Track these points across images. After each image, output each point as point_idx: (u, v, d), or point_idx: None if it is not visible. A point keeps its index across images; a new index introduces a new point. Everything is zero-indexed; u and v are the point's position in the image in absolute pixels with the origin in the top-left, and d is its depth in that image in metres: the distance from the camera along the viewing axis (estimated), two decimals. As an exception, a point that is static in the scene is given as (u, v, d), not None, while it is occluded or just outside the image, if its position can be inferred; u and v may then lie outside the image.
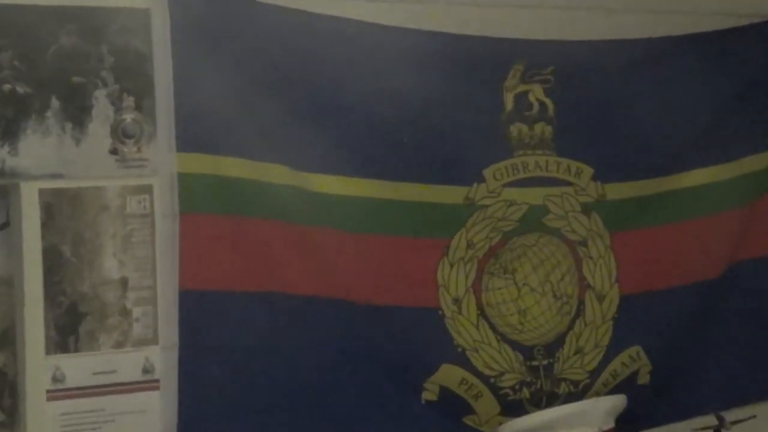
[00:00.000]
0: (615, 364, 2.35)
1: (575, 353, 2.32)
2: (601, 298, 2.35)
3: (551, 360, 2.29)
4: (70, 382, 1.96)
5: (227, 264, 2.01)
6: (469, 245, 2.26)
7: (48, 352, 1.95)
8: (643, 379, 2.38)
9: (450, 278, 2.23)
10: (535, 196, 2.31)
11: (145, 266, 2.02)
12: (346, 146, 2.12)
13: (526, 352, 2.28)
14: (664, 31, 2.36)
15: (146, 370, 2.02)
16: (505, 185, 2.29)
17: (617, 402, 2.19)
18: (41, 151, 1.94)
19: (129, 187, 2.01)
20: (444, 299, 2.22)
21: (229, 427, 1.99)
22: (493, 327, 2.26)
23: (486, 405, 2.23)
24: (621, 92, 2.35)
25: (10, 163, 1.92)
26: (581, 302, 2.34)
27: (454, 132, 2.22)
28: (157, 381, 2.02)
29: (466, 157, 2.24)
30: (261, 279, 2.03)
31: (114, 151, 2.00)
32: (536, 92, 2.31)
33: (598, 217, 2.36)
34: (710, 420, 2.33)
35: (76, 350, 1.96)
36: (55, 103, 1.95)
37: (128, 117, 2.00)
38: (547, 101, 2.33)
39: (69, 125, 1.96)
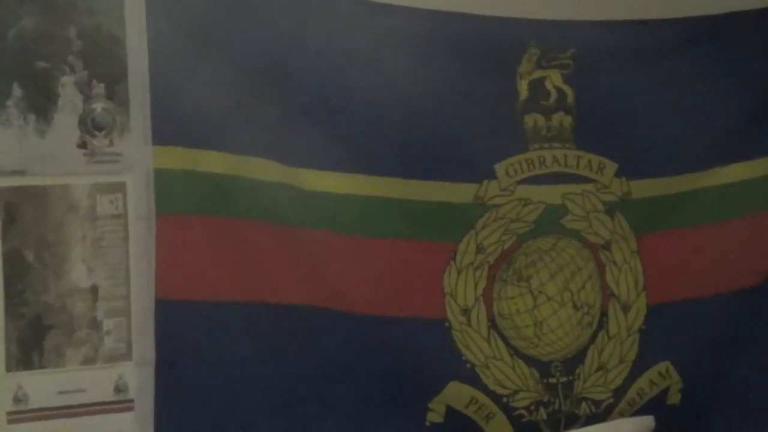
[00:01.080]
0: (642, 382, 2.33)
1: (597, 369, 2.30)
2: (626, 309, 2.33)
3: (571, 377, 2.27)
4: (34, 403, 1.94)
5: (209, 271, 2.01)
6: (479, 249, 2.25)
7: (9, 369, 1.94)
8: (674, 398, 2.36)
9: (458, 286, 2.22)
10: (552, 194, 2.29)
11: (118, 273, 2.02)
12: (341, 139, 2.11)
13: (543, 368, 2.26)
14: (698, 10, 2.34)
15: (119, 389, 2.01)
16: (519, 182, 2.27)
17: (644, 424, 2.20)
18: (1, 146, 1.94)
19: (100, 184, 2.01)
20: (451, 309, 2.21)
21: (211, 451, 1.99)
22: (505, 340, 2.24)
23: (498, 427, 2.21)
24: (649, 79, 2.33)
25: (-35, 159, 1.93)
26: (604, 313, 2.32)
27: (462, 123, 2.20)
28: (130, 401, 2.01)
29: (475, 151, 2.22)
30: (247, 287, 2.03)
31: (83, 145, 2.00)
32: (554, 79, 2.30)
33: (623, 217, 2.34)
34: (748, 445, 2.35)
35: (41, 367, 1.95)
36: (17, 90, 1.94)
37: (98, 106, 2.00)
38: (566, 89, 2.31)
39: (32, 116, 1.96)
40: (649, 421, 2.20)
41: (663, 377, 2.34)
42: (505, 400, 2.22)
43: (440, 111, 2.18)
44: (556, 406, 2.25)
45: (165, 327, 1.98)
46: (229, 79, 2.01)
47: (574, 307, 2.28)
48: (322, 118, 2.09)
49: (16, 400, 1.92)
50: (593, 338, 2.30)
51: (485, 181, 2.25)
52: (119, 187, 2.02)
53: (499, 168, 2.26)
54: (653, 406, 2.31)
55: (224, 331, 2.01)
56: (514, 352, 2.24)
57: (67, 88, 1.96)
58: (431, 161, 2.19)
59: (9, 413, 1.91)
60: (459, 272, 2.23)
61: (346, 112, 2.11)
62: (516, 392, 2.23)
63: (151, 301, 1.97)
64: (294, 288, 2.06)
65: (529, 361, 2.25)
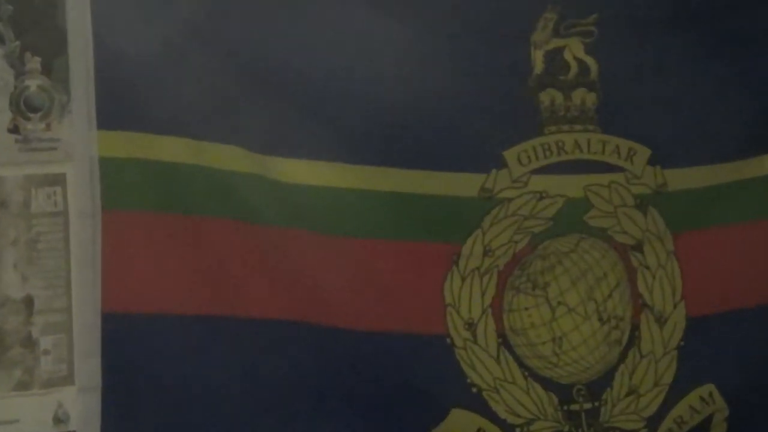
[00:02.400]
0: (681, 409, 2.32)
1: (628, 394, 2.29)
2: (662, 321, 2.32)
3: (596, 403, 2.27)
4: (-44, 436, 1.99)
5: (166, 278, 2.02)
6: (487, 252, 2.24)
7: (-76, 396, 1.99)
8: (719, 428, 2.33)
9: (461, 295, 2.22)
10: (573, 186, 2.27)
11: (57, 282, 2.04)
12: (324, 123, 2.13)
13: (563, 392, 2.25)
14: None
15: (59, 419, 2.03)
16: (533, 172, 2.26)
17: (684, 460, 2.23)
18: None
19: (35, 176, 2.03)
20: (453, 323, 2.21)
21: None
22: (518, 360, 2.24)
23: (510, 463, 2.22)
24: (687, 49, 2.31)
25: None
26: (635, 326, 2.31)
27: (465, 103, 2.21)
28: (72, 433, 2.01)
29: (481, 135, 2.22)
30: (212, 298, 2.05)
31: (14, 130, 2.03)
32: (574, 49, 2.29)
33: (657, 213, 2.32)
34: (804, 482, 2.33)
35: (-36, 393, 1.99)
36: (-67, 65, 2.02)
37: (33, 84, 2.02)
38: (589, 60, 2.30)
39: (-47, 95, 2.01)
40: (689, 455, 2.24)
41: (706, 403, 2.33)
42: (518, 430, 2.22)
43: (439, 88, 2.19)
44: (579, 437, 2.26)
45: (113, 345, 1.98)
46: (188, 53, 2.03)
47: (600, 319, 2.28)
48: (302, 99, 2.11)
49: (-66, 432, 2.01)
50: (623, 357, 2.30)
51: (493, 171, 2.24)
52: (58, 180, 2.04)
53: (510, 155, 2.25)
54: (695, 436, 2.32)
55: (185, 350, 2.03)
56: (529, 373, 2.24)
57: (-5, 62, 2.01)
58: (429, 148, 2.20)
59: (-76, 448, 1.98)
60: (463, 279, 2.22)
61: (329, 92, 2.13)
62: (531, 421, 2.23)
63: (97, 315, 1.97)
64: (268, 299, 2.08)
65: (547, 384, 2.25)
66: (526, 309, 2.27)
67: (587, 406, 2.26)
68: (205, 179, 2.05)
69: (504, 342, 2.24)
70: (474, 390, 2.21)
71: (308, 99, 2.12)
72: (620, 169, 2.31)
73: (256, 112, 2.09)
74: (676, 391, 2.31)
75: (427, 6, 2.18)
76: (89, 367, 1.98)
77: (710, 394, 2.33)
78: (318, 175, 2.14)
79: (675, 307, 2.33)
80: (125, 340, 1.99)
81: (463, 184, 2.24)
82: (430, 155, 2.21)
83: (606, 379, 2.28)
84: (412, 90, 2.16)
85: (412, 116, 2.18)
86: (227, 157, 2.07)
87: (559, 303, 2.27)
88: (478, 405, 2.20)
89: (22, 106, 2.02)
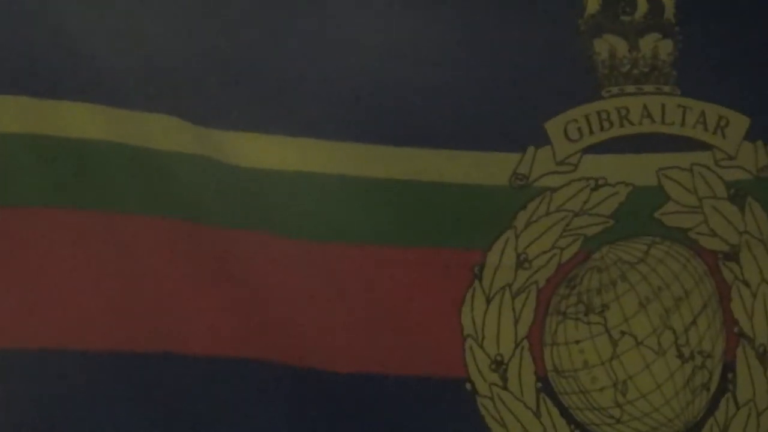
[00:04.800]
0: None
1: None
2: (766, 358, 2.24)
3: None
4: None
5: (65, 304, 2.01)
6: (522, 262, 2.17)
7: None
8: None
9: (486, 323, 2.15)
10: (641, 170, 2.20)
11: None
12: (299, 82, 2.10)
13: None
14: None
15: None
16: (585, 150, 2.19)
17: None
18: None
19: None
20: (475, 362, 2.15)
21: None
22: (565, 412, 2.18)
23: None
24: None
25: None
26: (730, 366, 2.23)
27: (493, 56, 2.16)
28: None
29: (513, 100, 2.16)
30: (134, 327, 2.02)
31: None
32: None
33: (760, 207, 2.25)
34: None
35: None
36: None
37: None
38: None
39: None
40: None
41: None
42: None
43: (458, 40, 2.16)
44: None
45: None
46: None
47: (680, 356, 2.21)
48: (267, 49, 2.11)
49: None
50: (713, 407, 2.23)
51: (530, 150, 2.17)
52: None
53: (554, 127, 2.18)
54: None
55: (95, 396, 2.01)
56: (581, 431, 2.18)
57: None
58: (444, 119, 2.16)
59: None
60: (488, 300, 2.15)
61: (310, 41, 2.13)
62: (583, 498, 2.18)
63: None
64: (214, 329, 2.05)
65: (606, 446, 2.16)
66: (577, 342, 2.19)
67: (663, 477, 2.18)
68: (127, 162, 2.02)
69: (545, 388, 2.18)
70: (503, 454, 2.13)
71: (284, 52, 2.10)
72: (707, 147, 2.26)
73: (202, 73, 2.08)
74: (787, 454, 2.23)
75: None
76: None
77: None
78: (290, 156, 2.10)
79: (785, 338, 2.20)
80: (10, 381, 1.99)
81: (489, 168, 2.16)
82: (441, 129, 2.16)
83: (689, 438, 2.15)
84: (425, 44, 2.15)
85: (421, 77, 2.15)
86: (158, 132, 2.04)
87: (623, 333, 2.19)
88: (509, 474, 2.14)
89: None
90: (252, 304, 2.10)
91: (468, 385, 2.14)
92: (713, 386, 2.23)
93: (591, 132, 2.22)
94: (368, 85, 2.16)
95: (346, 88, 2.16)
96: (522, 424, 2.16)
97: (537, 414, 2.17)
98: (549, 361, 2.19)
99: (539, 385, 2.17)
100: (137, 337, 2.04)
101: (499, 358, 2.16)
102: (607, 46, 2.24)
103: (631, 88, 2.24)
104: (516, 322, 2.17)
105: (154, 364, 2.04)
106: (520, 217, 2.18)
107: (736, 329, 2.24)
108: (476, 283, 2.16)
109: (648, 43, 2.25)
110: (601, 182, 2.21)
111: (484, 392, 2.14)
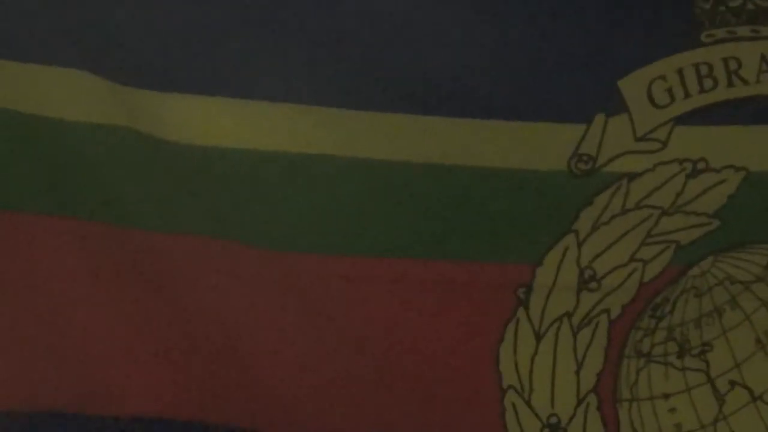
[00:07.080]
0: None
1: None
2: None
3: None
4: None
5: None
6: (586, 281, 1.87)
7: None
8: None
9: (535, 369, 1.89)
10: (760, 148, 1.86)
11: None
12: (285, 28, 1.86)
13: None
14: None
15: None
16: (678, 120, 1.84)
17: None
18: None
19: None
20: (519, 424, 1.88)
21: None
22: None
23: None
24: None
25: None
26: None
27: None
28: None
29: (577, 50, 1.85)
30: (60, 380, 1.90)
31: None
32: None
33: None
34: None
35: None
36: None
37: None
38: None
39: None
40: None
41: None
42: None
43: None
44: None
45: None
46: None
47: None
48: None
49: None
50: None
51: (599, 118, 1.84)
52: None
53: (632, 86, 1.84)
54: None
55: None
56: None
57: None
58: (469, 78, 1.87)
59: None
60: (538, 336, 1.88)
61: None
62: None
63: None
64: (157, 384, 1.92)
65: None
66: (667, 397, 1.88)
67: None
68: (13, 135, 1.88)
69: (622, 457, 1.95)
70: None
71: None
72: None
73: (138, 12, 1.81)
74: None
75: None
76: None
77: None
78: (257, 128, 1.86)
79: None
80: None
81: (538, 147, 1.85)
82: (472, 93, 1.85)
83: None
84: None
85: (451, 27, 1.85)
86: (58, 94, 1.85)
87: (734, 384, 1.89)
88: None
89: None
90: (216, 334, 1.87)
91: (511, 453, 1.89)
92: None
93: (686, 94, 1.84)
94: (369, 32, 1.85)
95: (349, 35, 1.84)
96: None
97: (611, 495, 1.94)
98: (626, 424, 1.88)
99: (613, 454, 1.90)
100: (72, 388, 1.88)
101: (554, 421, 1.87)
102: (708, -27, 1.91)
103: (744, 30, 1.84)
104: (579, 368, 1.86)
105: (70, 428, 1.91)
106: (584, 217, 1.84)
107: None
108: (521, 311, 1.86)
109: (762, -30, 1.91)
110: (701, 166, 1.84)
111: (537, 464, 1.90)
